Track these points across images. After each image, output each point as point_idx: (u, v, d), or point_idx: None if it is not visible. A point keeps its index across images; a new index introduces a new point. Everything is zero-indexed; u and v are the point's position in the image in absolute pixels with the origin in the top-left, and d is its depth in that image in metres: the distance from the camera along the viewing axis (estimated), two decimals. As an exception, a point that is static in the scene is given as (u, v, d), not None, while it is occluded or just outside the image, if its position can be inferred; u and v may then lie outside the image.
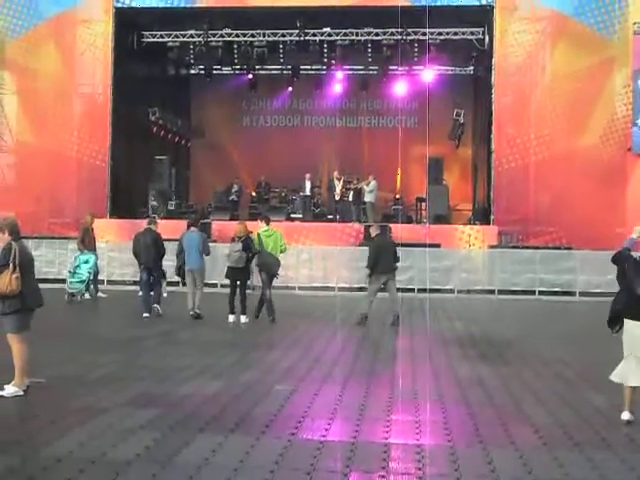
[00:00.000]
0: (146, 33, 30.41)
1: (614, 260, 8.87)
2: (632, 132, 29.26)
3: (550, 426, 8.43)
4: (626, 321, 8.65)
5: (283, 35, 30.15)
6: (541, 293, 24.66)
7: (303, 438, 7.73)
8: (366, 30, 29.79)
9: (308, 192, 30.81)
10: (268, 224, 17.59)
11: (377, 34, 29.81)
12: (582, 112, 29.30)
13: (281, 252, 17.43)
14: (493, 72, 29.21)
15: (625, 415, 8.66)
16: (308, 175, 30.92)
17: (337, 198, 30.07)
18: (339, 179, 30.13)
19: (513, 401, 9.67)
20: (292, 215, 29.72)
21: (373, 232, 17.83)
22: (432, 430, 8.17)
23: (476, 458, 7.20)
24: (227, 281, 17.63)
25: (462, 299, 23.98)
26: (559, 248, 26.50)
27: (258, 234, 17.16)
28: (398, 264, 17.42)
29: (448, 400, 9.62)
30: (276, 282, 24.29)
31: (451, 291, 24.89)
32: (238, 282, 17.04)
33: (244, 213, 30.01)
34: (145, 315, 17.50)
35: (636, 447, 7.72)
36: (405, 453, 7.30)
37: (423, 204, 30.43)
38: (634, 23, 29.53)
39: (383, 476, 6.63)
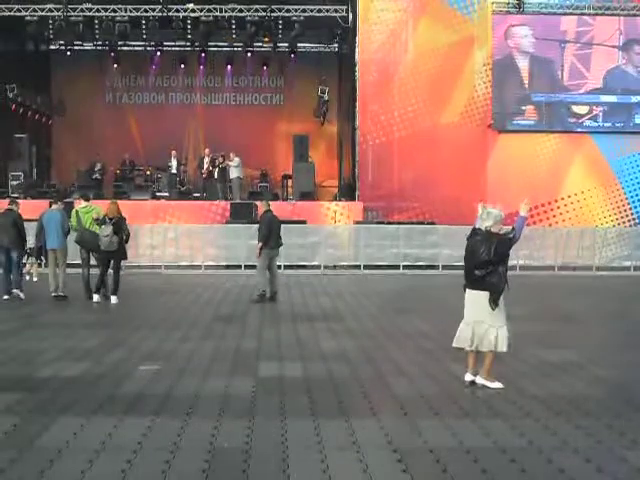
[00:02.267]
0: (2, 7, 29.34)
1: (467, 238, 9.29)
2: (492, 108, 30.16)
3: (411, 396, 8.64)
4: (466, 291, 9.18)
5: (146, 10, 29.58)
6: (405, 267, 25.16)
7: (167, 417, 7.68)
8: (230, 6, 29.54)
9: (174, 170, 30.51)
10: (87, 201, 17.74)
11: (241, 10, 29.60)
12: (444, 90, 29.97)
13: None
14: (357, 49, 29.49)
15: (467, 377, 9.18)
16: (174, 152, 30.66)
17: (204, 176, 29.88)
18: (208, 156, 29.91)
19: (376, 374, 9.85)
20: (158, 194, 29.38)
21: (262, 208, 17.81)
22: (296, 405, 8.24)
23: (339, 430, 7.31)
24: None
25: (328, 275, 24.24)
26: (422, 223, 27.06)
27: (76, 211, 17.23)
28: (281, 241, 17.57)
29: (313, 374, 9.73)
30: (143, 261, 24.12)
31: (317, 267, 25.13)
32: (112, 262, 16.66)
33: (108, 192, 29.46)
34: (4, 298, 17.01)
35: (492, 414, 7.99)
36: (268, 429, 7.35)
37: (289, 181, 30.58)
38: (492, 2, 30.34)
39: (246, 451, 6.67)
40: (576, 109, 30.61)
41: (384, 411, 8.01)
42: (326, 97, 31.59)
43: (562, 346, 11.87)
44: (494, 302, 8.90)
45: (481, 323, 9.02)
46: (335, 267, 25.41)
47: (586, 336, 13.14)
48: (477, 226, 9.10)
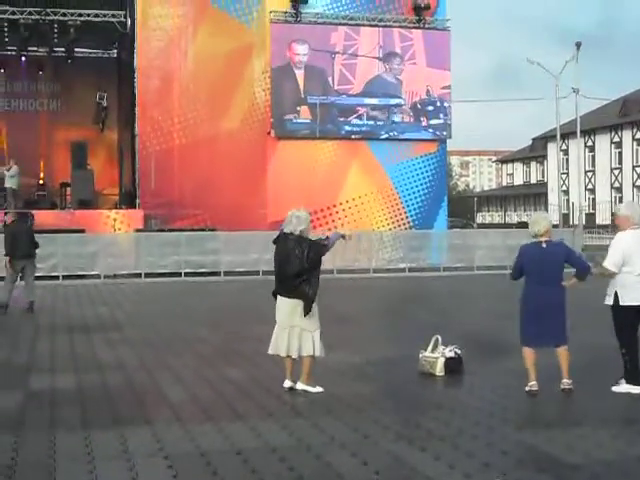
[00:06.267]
0: None
1: (274, 241, 9.27)
2: (271, 115, 30.64)
3: (185, 402, 8.64)
4: (279, 297, 9.15)
5: None
6: (187, 274, 25.10)
7: None
8: (1, 9, 28.52)
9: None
10: None
11: (14, 13, 28.63)
12: (224, 97, 30.14)
13: None
14: (136, 56, 29.22)
15: (286, 383, 9.14)
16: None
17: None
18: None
19: (152, 382, 9.79)
20: None
21: (9, 219, 17.53)
22: (67, 418, 8.08)
23: (110, 440, 7.21)
24: None
25: (108, 284, 23.81)
26: (204, 230, 27.12)
27: None
28: (38, 250, 17.09)
29: (87, 385, 9.55)
30: None
31: (97, 276, 24.65)
32: None
33: None
34: None
35: (265, 414, 8.10)
36: (36, 443, 7.16)
37: (68, 189, 29.86)
38: (270, 12, 30.81)
39: (11, 467, 6.46)
40: (344, 109, 32.37)
41: (157, 419, 7.96)
42: (105, 103, 31.11)
43: (340, 347, 12.15)
44: (305, 310, 8.95)
45: (295, 328, 8.99)
46: (115, 276, 25.00)
47: (362, 336, 13.53)
48: (287, 230, 9.08)
